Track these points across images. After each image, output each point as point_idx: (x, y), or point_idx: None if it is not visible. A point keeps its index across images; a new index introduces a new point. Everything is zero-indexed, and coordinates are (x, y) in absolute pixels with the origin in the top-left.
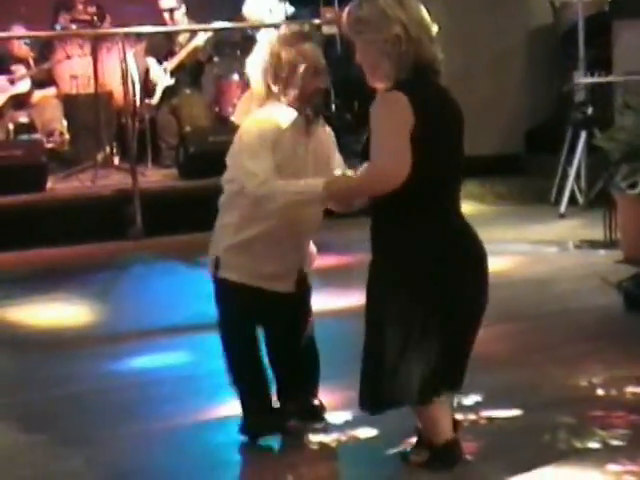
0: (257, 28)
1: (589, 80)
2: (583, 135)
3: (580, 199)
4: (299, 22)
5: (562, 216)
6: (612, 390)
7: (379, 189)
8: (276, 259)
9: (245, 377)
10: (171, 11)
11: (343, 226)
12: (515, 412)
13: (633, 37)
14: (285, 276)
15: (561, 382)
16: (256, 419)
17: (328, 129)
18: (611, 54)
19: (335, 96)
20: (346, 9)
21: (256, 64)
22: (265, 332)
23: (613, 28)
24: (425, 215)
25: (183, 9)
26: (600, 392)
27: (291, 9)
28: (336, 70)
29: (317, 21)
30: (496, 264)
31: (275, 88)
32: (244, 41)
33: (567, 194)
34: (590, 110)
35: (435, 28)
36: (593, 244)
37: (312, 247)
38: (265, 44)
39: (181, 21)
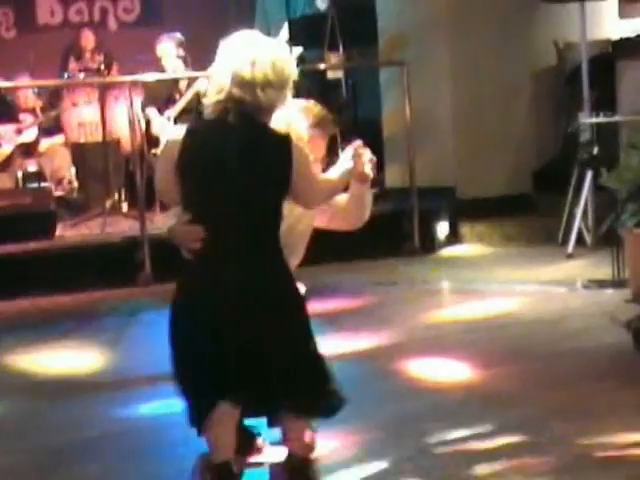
0: None
1: (594, 120)
2: (589, 175)
3: (588, 238)
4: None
5: (570, 256)
6: (622, 430)
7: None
8: None
9: None
10: (168, 57)
11: (351, 269)
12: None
13: (637, 77)
14: None
15: (572, 421)
16: None
17: None
18: (615, 94)
19: (341, 140)
20: None
21: None
22: None
23: (617, 68)
24: None
25: (178, 53)
26: (610, 431)
27: (299, 50)
28: (342, 114)
29: (322, 66)
30: (504, 304)
31: None
32: None
33: (574, 234)
34: (596, 150)
35: (246, 73)
36: (601, 283)
37: None
38: None
39: (178, 66)
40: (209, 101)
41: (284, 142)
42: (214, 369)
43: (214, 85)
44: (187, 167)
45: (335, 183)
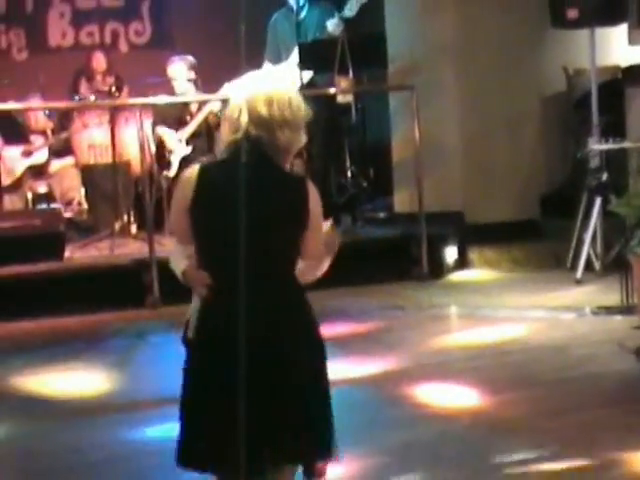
0: None
1: (603, 146)
2: (598, 201)
3: (596, 264)
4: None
5: (578, 281)
6: (630, 457)
7: None
8: None
9: None
10: (179, 79)
11: (359, 293)
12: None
13: None
14: None
15: (579, 449)
16: None
17: None
18: (625, 120)
19: (351, 163)
20: None
21: None
22: None
23: (626, 95)
24: None
25: (189, 75)
26: (618, 459)
27: (309, 74)
28: (352, 138)
29: (332, 90)
30: (513, 330)
31: None
32: None
33: (583, 260)
34: (605, 176)
35: (264, 113)
36: (610, 309)
37: None
38: None
39: (189, 89)
40: (224, 139)
41: (301, 184)
42: (214, 417)
43: (230, 124)
44: (201, 207)
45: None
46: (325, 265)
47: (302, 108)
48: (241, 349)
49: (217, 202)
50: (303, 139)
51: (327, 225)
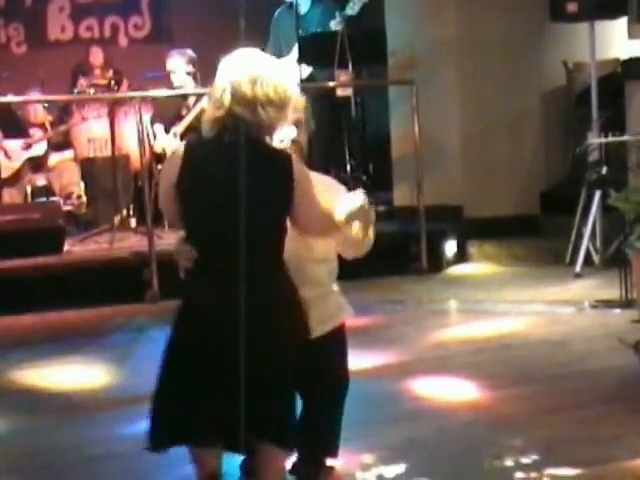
0: None
1: (603, 140)
2: (597, 194)
3: (596, 259)
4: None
5: (578, 276)
6: (628, 456)
7: None
8: None
9: None
10: (177, 72)
11: (358, 288)
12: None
13: None
14: None
15: (578, 445)
16: None
17: None
18: (624, 114)
19: (350, 157)
20: None
21: None
22: None
23: (626, 89)
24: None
25: (188, 69)
26: (616, 456)
27: (308, 70)
28: (351, 132)
29: (332, 83)
30: (512, 325)
31: None
32: None
33: (582, 254)
34: (604, 170)
35: (248, 91)
36: (609, 304)
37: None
38: None
39: (187, 82)
40: (208, 117)
41: (284, 160)
42: (191, 401)
43: (213, 101)
44: (185, 184)
45: (337, 223)
46: (369, 236)
47: (288, 87)
48: (223, 328)
49: (201, 180)
50: (288, 118)
51: (358, 197)
